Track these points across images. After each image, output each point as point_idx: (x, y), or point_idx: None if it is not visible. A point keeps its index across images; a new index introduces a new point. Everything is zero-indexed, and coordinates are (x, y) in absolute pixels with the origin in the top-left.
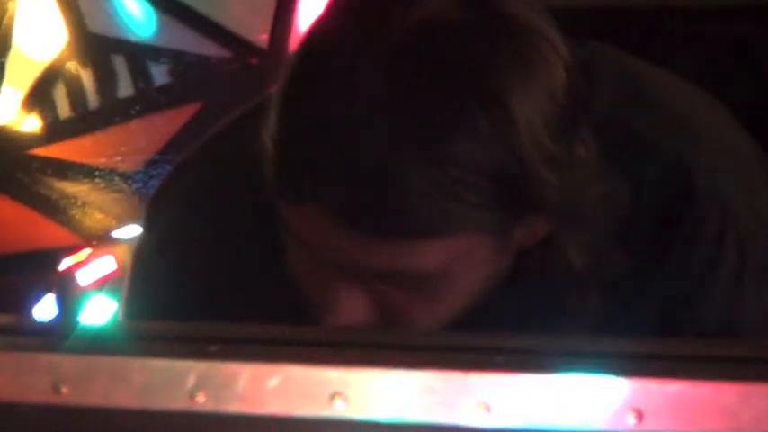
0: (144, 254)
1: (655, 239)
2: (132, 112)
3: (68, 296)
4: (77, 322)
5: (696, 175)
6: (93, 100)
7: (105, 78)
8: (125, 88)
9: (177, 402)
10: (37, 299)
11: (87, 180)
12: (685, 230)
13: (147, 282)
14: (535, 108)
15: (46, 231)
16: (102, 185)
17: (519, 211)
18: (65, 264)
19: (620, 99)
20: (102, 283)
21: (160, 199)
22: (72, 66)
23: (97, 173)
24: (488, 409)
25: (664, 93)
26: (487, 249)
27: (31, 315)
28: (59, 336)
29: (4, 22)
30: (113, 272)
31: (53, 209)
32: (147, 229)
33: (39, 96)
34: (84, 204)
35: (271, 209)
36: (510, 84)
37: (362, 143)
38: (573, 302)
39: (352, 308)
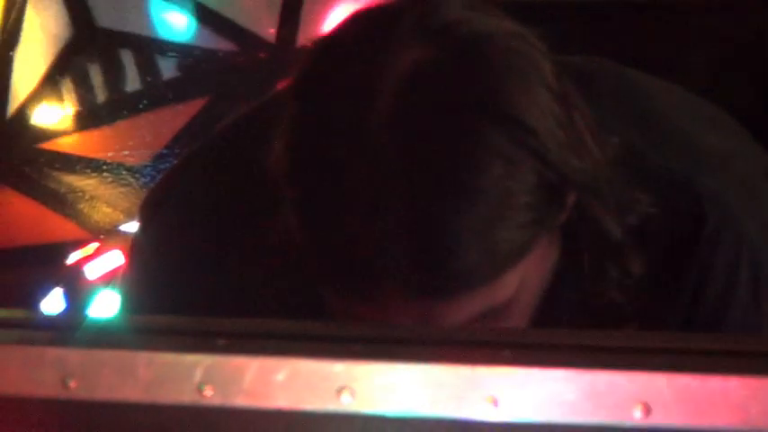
0: (142, 252)
1: (666, 262)
2: (140, 106)
3: (76, 290)
4: (85, 316)
5: (707, 202)
6: (100, 94)
7: (113, 72)
8: (133, 82)
9: (185, 396)
10: (45, 293)
11: (95, 174)
12: (699, 256)
13: (146, 281)
14: (543, 108)
15: (54, 225)
16: (110, 179)
17: (562, 201)
18: (72, 258)
19: (622, 116)
20: (110, 278)
21: (158, 197)
22: (80, 60)
23: (105, 167)
24: (496, 403)
25: (667, 109)
26: (546, 245)
27: (39, 309)
28: (67, 330)
29: (13, 15)
30: (121, 266)
31: (61, 203)
32: (145, 227)
33: (46, 90)
34: (91, 198)
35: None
36: (514, 98)
37: (398, 215)
38: (616, 271)
39: None
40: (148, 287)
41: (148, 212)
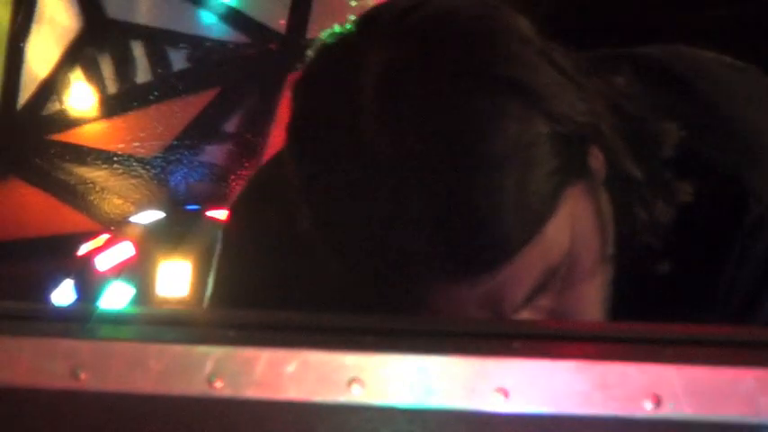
0: (242, 248)
1: (708, 254)
2: (150, 97)
3: (87, 281)
4: (96, 307)
5: (749, 200)
6: (111, 85)
7: (123, 64)
8: (143, 74)
9: (195, 388)
10: (55, 284)
11: (106, 165)
12: (735, 253)
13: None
14: (530, 63)
15: (64, 217)
16: (121, 171)
17: (581, 146)
18: (83, 249)
19: (685, 105)
20: (121, 269)
21: (254, 193)
22: (90, 51)
23: (116, 158)
24: (506, 394)
25: (732, 101)
26: (587, 194)
27: (50, 300)
28: (78, 321)
29: (24, 7)
30: (131, 257)
31: (72, 194)
32: (242, 223)
33: (57, 82)
34: (102, 190)
35: None
36: (502, 60)
37: (422, 201)
38: (643, 215)
39: None
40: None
41: (243, 209)
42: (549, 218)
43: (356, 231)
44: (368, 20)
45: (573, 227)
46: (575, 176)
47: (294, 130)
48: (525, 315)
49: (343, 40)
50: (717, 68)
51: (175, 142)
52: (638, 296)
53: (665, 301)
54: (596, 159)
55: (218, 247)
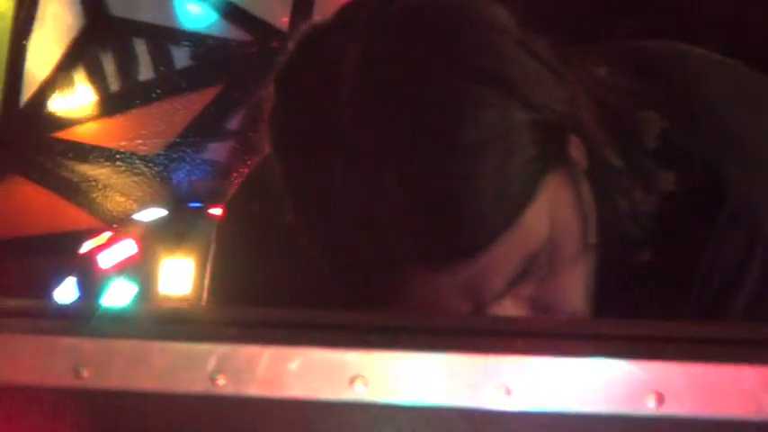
0: (233, 246)
1: (686, 243)
2: (153, 95)
3: (89, 279)
4: (98, 305)
5: (729, 190)
6: (113, 83)
7: (126, 61)
8: (146, 71)
9: (197, 385)
10: (58, 282)
11: (108, 163)
12: (713, 242)
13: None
14: (511, 50)
15: (67, 214)
16: (123, 168)
17: (561, 131)
18: (86, 247)
19: (672, 99)
20: (123, 267)
21: (246, 191)
22: (93, 49)
23: (118, 156)
24: (509, 392)
25: (719, 97)
26: (567, 183)
27: (52, 298)
28: (80, 319)
29: (26, 4)
30: (134, 255)
31: (74, 192)
32: (234, 221)
33: (60, 80)
34: (104, 187)
35: None
36: (478, 50)
37: (400, 190)
38: (624, 204)
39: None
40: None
41: (236, 207)
42: (527, 205)
43: (336, 220)
44: (348, 11)
45: (553, 215)
46: (554, 165)
47: (275, 120)
48: (506, 303)
49: (323, 31)
50: (702, 63)
51: (178, 140)
52: (617, 285)
53: (644, 289)
54: (577, 149)
55: (212, 244)
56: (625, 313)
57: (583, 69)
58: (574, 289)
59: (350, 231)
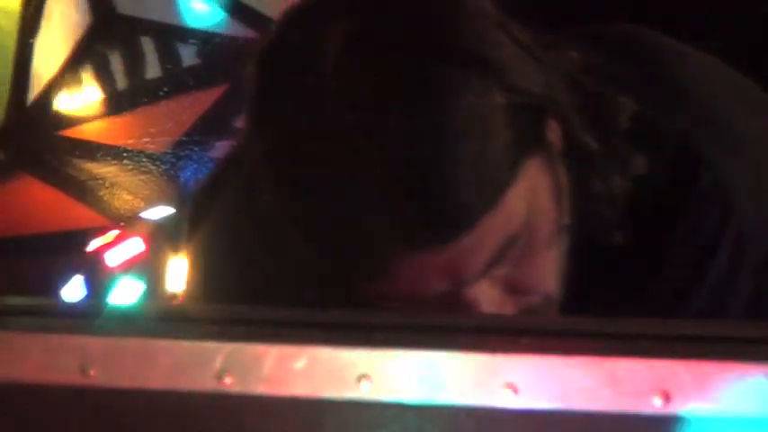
0: (199, 247)
1: (659, 222)
2: (160, 93)
3: (96, 278)
4: (105, 304)
5: (702, 167)
6: (121, 81)
7: (133, 59)
8: (153, 69)
9: (204, 384)
10: (65, 280)
11: (115, 161)
12: (686, 220)
13: (210, 269)
14: (491, 34)
15: (74, 213)
16: (131, 167)
17: (538, 117)
18: (93, 245)
19: (643, 81)
20: (131, 265)
21: (210, 190)
22: (100, 47)
23: (125, 154)
24: (515, 390)
25: (690, 78)
26: (545, 166)
27: (59, 297)
28: (87, 317)
29: (33, 2)
30: (141, 253)
31: (81, 190)
32: (199, 220)
33: (67, 78)
34: (112, 186)
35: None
36: (457, 33)
37: (381, 172)
38: (599, 186)
39: (492, 298)
40: (215, 274)
41: (202, 206)
42: (507, 188)
43: (317, 201)
44: None
45: (531, 198)
46: (533, 148)
47: (255, 101)
48: (483, 284)
49: (306, 13)
50: (668, 43)
51: (185, 138)
52: (592, 266)
53: (619, 270)
54: (553, 131)
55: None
56: (600, 295)
57: (557, 53)
58: (548, 270)
59: (331, 211)
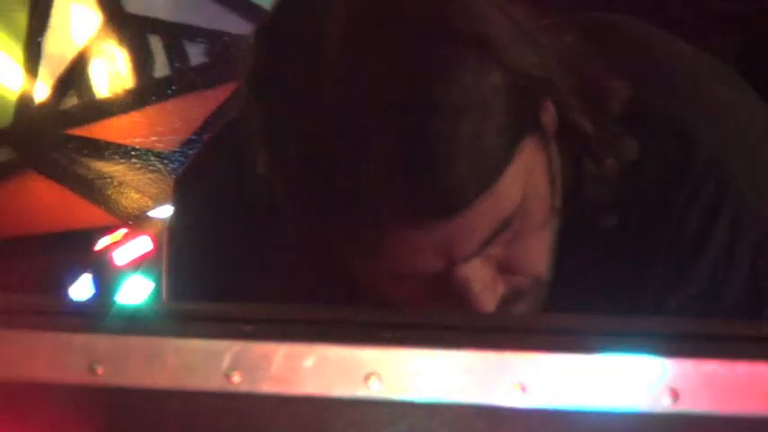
0: (174, 236)
1: (654, 204)
2: (168, 91)
3: (104, 276)
4: (113, 302)
5: (696, 147)
6: (129, 80)
7: (141, 58)
8: (161, 68)
9: (213, 383)
10: (73, 279)
11: (124, 160)
12: (681, 201)
13: (183, 263)
14: (490, 13)
15: (82, 211)
16: (139, 165)
17: (535, 99)
18: (101, 244)
19: (631, 64)
20: (139, 263)
21: (189, 179)
22: (108, 45)
23: (133, 153)
24: (524, 389)
25: (674, 60)
26: (540, 147)
27: (68, 295)
28: (95, 316)
29: (42, 1)
30: (150, 252)
31: (89, 189)
32: (179, 210)
33: (75, 76)
34: (120, 184)
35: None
36: (458, 13)
37: (379, 149)
38: (592, 168)
39: (484, 277)
40: (183, 270)
41: (180, 195)
42: (504, 169)
43: (314, 175)
44: None
45: (526, 179)
46: (529, 129)
47: (256, 76)
48: (476, 263)
49: None
50: (659, 32)
51: (193, 137)
52: (585, 249)
53: (613, 252)
54: (548, 113)
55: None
56: (593, 277)
57: (553, 36)
58: (540, 252)
59: (329, 186)
